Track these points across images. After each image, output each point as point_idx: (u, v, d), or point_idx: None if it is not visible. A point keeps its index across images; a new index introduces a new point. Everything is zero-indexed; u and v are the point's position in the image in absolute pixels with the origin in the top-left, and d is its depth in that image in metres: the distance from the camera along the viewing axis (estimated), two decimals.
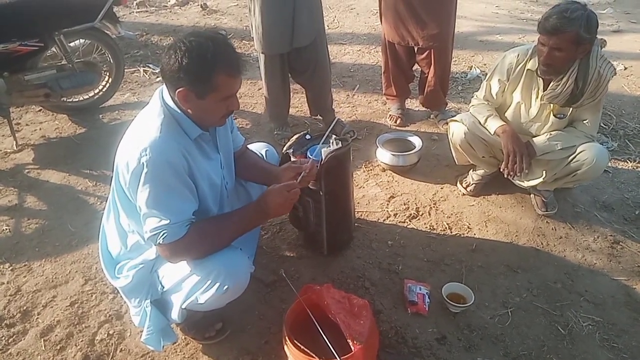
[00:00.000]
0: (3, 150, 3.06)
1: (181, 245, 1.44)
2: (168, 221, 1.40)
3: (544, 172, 2.28)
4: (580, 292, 2.04)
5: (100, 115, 3.45)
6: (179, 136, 1.45)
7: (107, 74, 3.45)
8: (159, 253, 1.51)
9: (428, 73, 3.09)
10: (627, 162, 2.87)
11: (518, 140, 2.21)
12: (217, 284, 1.47)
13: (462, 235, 2.34)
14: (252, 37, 2.81)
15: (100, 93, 3.46)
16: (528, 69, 2.20)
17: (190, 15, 5.50)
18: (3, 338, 1.85)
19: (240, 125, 3.30)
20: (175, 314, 1.60)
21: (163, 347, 1.67)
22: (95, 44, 3.35)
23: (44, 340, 1.85)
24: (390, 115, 3.32)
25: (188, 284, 1.52)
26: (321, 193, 1.96)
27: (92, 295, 2.04)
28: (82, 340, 1.84)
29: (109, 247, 1.70)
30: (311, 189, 1.94)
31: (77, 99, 3.41)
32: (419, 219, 2.45)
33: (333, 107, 3.17)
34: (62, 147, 3.10)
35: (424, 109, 3.40)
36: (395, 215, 2.47)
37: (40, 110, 3.48)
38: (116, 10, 3.46)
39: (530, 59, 2.19)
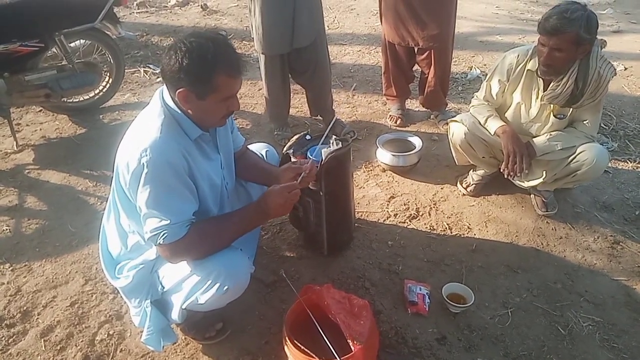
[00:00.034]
0: (3, 151, 3.06)
1: (181, 246, 1.44)
2: (168, 221, 1.40)
3: (544, 172, 2.28)
4: (581, 292, 2.04)
5: (101, 116, 3.45)
6: (179, 137, 1.46)
7: (108, 74, 3.45)
8: (159, 253, 1.51)
9: (428, 73, 3.09)
10: (627, 163, 2.87)
11: (518, 140, 2.21)
12: (218, 285, 1.48)
13: (462, 236, 2.34)
14: (252, 38, 2.81)
15: (101, 93, 3.47)
16: (528, 70, 2.21)
17: (191, 15, 5.50)
18: (3, 338, 1.86)
19: (241, 126, 3.31)
20: (175, 314, 1.60)
21: (163, 347, 1.67)
22: (96, 45, 3.35)
23: (44, 340, 1.85)
24: (390, 115, 3.33)
25: (188, 285, 1.52)
26: (321, 193, 1.96)
27: (92, 296, 2.04)
28: (82, 341, 1.84)
29: (109, 248, 1.70)
30: (311, 189, 1.95)
31: (77, 100, 3.41)
32: (419, 219, 2.45)
33: (333, 107, 3.17)
34: (62, 147, 3.10)
35: (424, 109, 3.40)
36: (395, 215, 2.47)
37: (40, 111, 3.49)
38: (116, 11, 3.47)
39: (531, 60, 2.19)
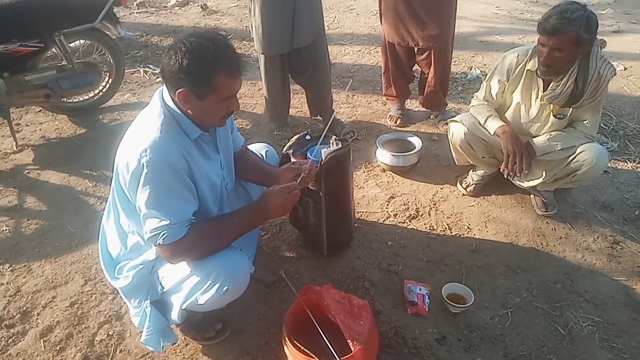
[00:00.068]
0: (3, 151, 3.06)
1: (181, 246, 1.44)
2: (168, 222, 1.40)
3: (544, 172, 2.28)
4: (580, 292, 2.04)
5: (100, 116, 3.45)
6: (179, 137, 1.46)
7: (107, 74, 3.45)
8: (159, 254, 1.51)
9: (428, 73, 3.09)
10: (627, 163, 2.87)
11: (518, 140, 2.21)
12: (217, 285, 1.48)
13: (462, 236, 2.34)
14: (252, 38, 2.81)
15: (100, 94, 3.47)
16: (528, 70, 2.21)
17: (191, 15, 5.50)
18: (3, 339, 1.85)
19: (240, 126, 3.31)
20: (175, 315, 1.60)
21: (163, 347, 1.67)
22: (96, 45, 3.35)
23: (43, 340, 1.85)
24: (390, 115, 3.33)
25: (188, 285, 1.52)
26: (321, 193, 1.96)
27: (91, 296, 2.04)
28: (81, 341, 1.84)
29: (109, 248, 1.70)
30: (311, 189, 1.95)
31: (77, 100, 3.41)
32: (418, 220, 2.45)
33: (333, 107, 3.17)
34: (62, 147, 3.10)
35: (423, 109, 3.40)
36: (395, 215, 2.47)
37: (40, 111, 3.49)
38: (116, 11, 3.47)
39: (530, 60, 2.19)
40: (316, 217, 2.04)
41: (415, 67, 3.22)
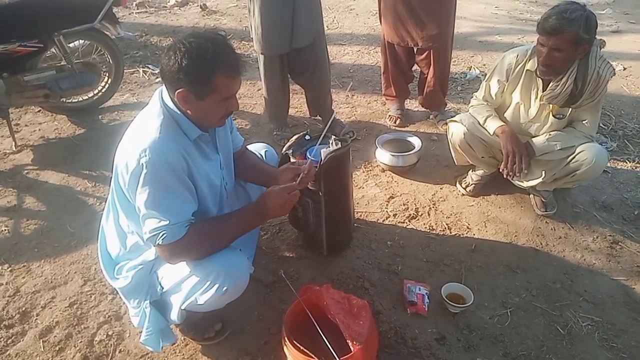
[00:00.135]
0: (2, 151, 3.05)
1: (180, 246, 1.44)
2: (167, 222, 1.40)
3: (543, 172, 2.28)
4: (580, 292, 2.04)
5: (100, 116, 3.45)
6: (178, 137, 1.46)
7: (107, 74, 3.45)
8: (159, 254, 1.51)
9: (427, 73, 3.09)
10: (626, 163, 2.87)
11: (517, 140, 2.21)
12: (217, 285, 1.47)
13: (462, 236, 2.34)
14: (252, 38, 2.81)
15: (100, 94, 3.46)
16: (527, 70, 2.21)
17: (190, 16, 5.50)
18: (2, 339, 1.85)
19: (240, 126, 3.30)
20: (174, 315, 1.59)
21: (162, 348, 1.67)
22: (95, 45, 3.35)
23: (42, 341, 1.84)
24: (389, 115, 3.33)
25: (187, 285, 1.52)
26: (320, 194, 1.96)
27: (91, 296, 2.04)
28: (81, 341, 1.84)
29: (108, 248, 1.70)
30: (310, 189, 1.95)
31: (76, 100, 3.41)
32: (418, 220, 2.45)
33: (332, 107, 3.17)
34: (61, 147, 3.10)
35: (423, 109, 3.40)
36: (394, 215, 2.47)
37: (39, 111, 3.48)
38: (116, 11, 3.46)
39: (530, 60, 2.19)
40: (316, 217, 2.04)
41: (415, 67, 3.22)
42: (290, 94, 3.12)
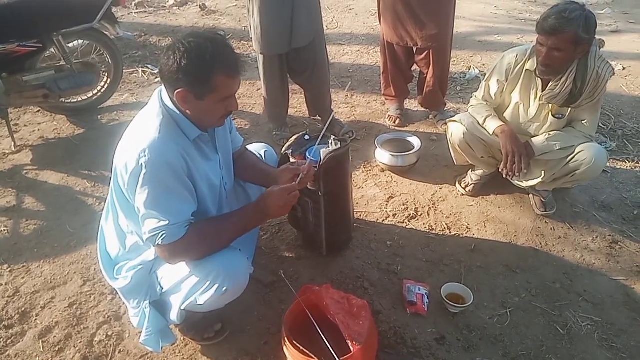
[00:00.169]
0: (1, 151, 3.05)
1: (180, 246, 1.44)
2: (167, 222, 1.40)
3: (543, 172, 2.28)
4: (579, 292, 2.04)
5: (99, 116, 3.44)
6: (177, 137, 1.45)
7: (106, 74, 3.45)
8: (158, 254, 1.51)
9: (427, 73, 3.09)
10: (626, 162, 2.87)
11: (517, 140, 2.21)
12: (216, 285, 1.47)
13: (461, 236, 2.34)
14: (251, 38, 2.81)
15: (99, 94, 3.46)
16: (527, 69, 2.21)
17: (189, 15, 5.50)
18: (1, 339, 1.85)
19: (239, 126, 3.30)
20: (174, 315, 1.59)
21: (162, 348, 1.66)
22: (94, 45, 3.35)
23: (42, 341, 1.84)
24: (389, 115, 3.33)
25: (187, 285, 1.52)
26: (320, 194, 1.96)
27: (90, 297, 2.03)
28: (80, 342, 1.84)
29: (108, 248, 1.70)
30: (310, 189, 1.95)
31: (75, 100, 3.41)
32: (418, 220, 2.45)
33: (332, 107, 3.17)
34: (60, 148, 3.10)
35: (422, 109, 3.40)
36: (394, 215, 2.47)
37: (38, 111, 3.48)
38: (115, 11, 3.46)
39: (529, 59, 2.19)
40: (315, 217, 2.04)
41: (414, 67, 3.22)
42: (290, 94, 3.12)
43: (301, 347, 1.53)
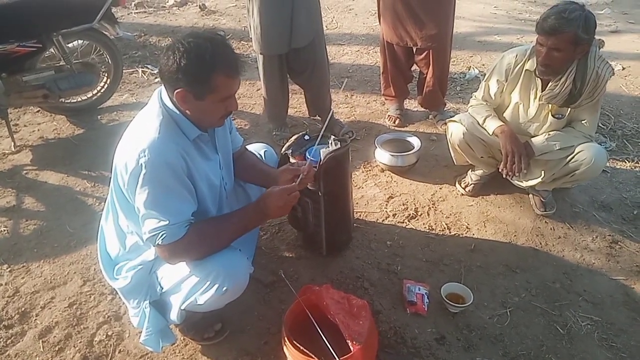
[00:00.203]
0: (1, 152, 3.05)
1: (180, 246, 1.44)
2: (167, 222, 1.40)
3: (543, 172, 2.28)
4: (579, 291, 2.04)
5: (99, 116, 3.44)
6: (177, 137, 1.45)
7: (106, 74, 3.44)
8: (158, 254, 1.51)
9: (427, 73, 3.10)
10: (626, 162, 2.87)
11: (516, 140, 2.21)
12: (216, 285, 1.47)
13: (461, 236, 2.34)
14: (251, 38, 2.81)
15: (99, 94, 3.46)
16: (526, 70, 2.21)
17: (189, 16, 5.50)
18: (1, 339, 1.85)
19: (239, 126, 3.30)
20: (174, 315, 1.59)
21: (162, 348, 1.66)
22: (94, 45, 3.35)
23: (42, 341, 1.84)
24: (388, 115, 3.33)
25: (187, 285, 1.52)
26: (320, 194, 1.96)
27: (90, 297, 2.03)
28: (80, 342, 1.84)
29: (108, 248, 1.70)
30: (310, 189, 1.94)
31: (75, 100, 3.41)
32: (417, 219, 2.45)
33: (331, 107, 3.17)
34: (60, 148, 3.10)
35: (422, 109, 3.40)
36: (394, 215, 2.47)
37: (38, 111, 3.48)
38: (114, 11, 3.46)
39: (529, 60, 2.19)
40: (315, 217, 2.04)
41: (414, 67, 3.23)
42: (290, 94, 3.12)
43: (301, 347, 1.53)
